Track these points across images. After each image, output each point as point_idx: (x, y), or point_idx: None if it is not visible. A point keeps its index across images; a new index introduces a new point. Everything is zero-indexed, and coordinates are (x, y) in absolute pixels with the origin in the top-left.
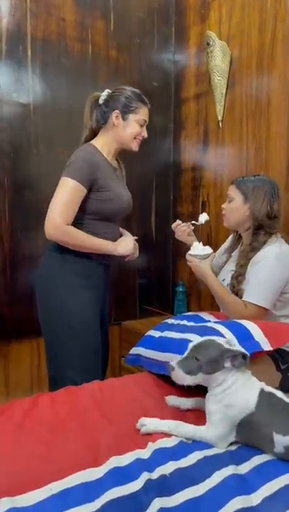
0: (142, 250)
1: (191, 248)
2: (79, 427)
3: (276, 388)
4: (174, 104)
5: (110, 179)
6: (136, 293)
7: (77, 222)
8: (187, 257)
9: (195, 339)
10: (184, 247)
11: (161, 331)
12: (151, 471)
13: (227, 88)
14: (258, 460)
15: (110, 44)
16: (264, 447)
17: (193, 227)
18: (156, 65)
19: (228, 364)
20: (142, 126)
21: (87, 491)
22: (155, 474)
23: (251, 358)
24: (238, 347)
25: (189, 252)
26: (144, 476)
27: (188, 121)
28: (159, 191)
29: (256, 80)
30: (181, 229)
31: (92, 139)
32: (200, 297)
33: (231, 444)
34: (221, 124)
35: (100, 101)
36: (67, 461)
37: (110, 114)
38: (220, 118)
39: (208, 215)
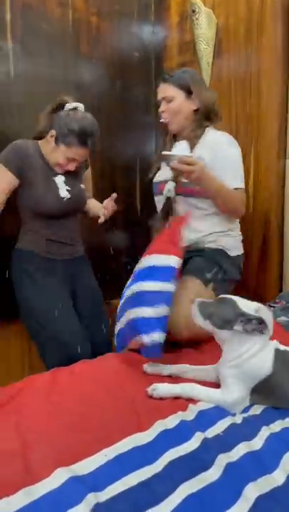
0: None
1: (173, 150)
2: (106, 397)
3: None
4: (155, 75)
5: (42, 177)
6: (123, 272)
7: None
8: (177, 164)
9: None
10: None
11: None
12: (203, 431)
13: (214, 57)
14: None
15: (91, 10)
16: (283, 405)
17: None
18: (136, 35)
19: (238, 327)
20: (68, 160)
21: (143, 454)
22: (209, 434)
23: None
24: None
25: (174, 154)
26: (199, 436)
27: None
28: (143, 165)
29: (245, 49)
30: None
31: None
32: None
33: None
34: None
35: (59, 110)
36: (109, 428)
37: (50, 129)
38: None
39: None
